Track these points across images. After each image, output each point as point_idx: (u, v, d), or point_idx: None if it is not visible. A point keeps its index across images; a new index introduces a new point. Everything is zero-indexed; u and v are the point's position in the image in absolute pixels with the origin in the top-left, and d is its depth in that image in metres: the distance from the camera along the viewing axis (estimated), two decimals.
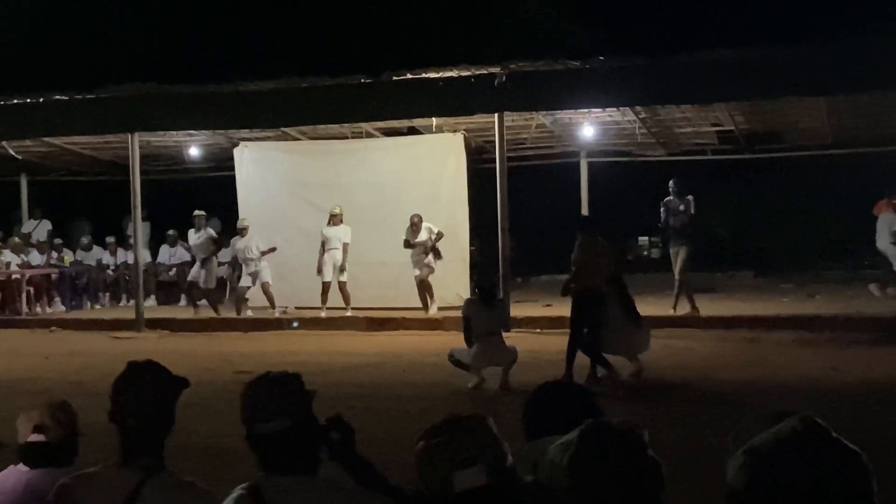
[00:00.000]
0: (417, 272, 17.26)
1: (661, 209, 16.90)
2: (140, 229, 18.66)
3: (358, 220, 18.03)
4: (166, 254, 21.92)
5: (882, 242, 18.59)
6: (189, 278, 19.16)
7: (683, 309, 16.30)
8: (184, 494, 3.13)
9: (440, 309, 17.02)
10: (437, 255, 17.33)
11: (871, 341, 13.64)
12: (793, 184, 24.93)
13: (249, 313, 18.16)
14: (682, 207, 16.72)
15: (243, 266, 18.22)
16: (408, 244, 17.26)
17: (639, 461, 1.96)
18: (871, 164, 21.34)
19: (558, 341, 11.83)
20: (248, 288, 18.30)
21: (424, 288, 17.28)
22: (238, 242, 18.24)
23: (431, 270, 17.31)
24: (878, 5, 14.94)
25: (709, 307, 17.25)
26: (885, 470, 6.20)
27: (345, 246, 17.57)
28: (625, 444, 1.97)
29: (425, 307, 17.29)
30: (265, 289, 18.06)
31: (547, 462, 1.99)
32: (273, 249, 18.07)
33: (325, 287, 17.63)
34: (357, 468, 2.87)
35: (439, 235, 17.27)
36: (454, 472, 2.46)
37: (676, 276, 16.66)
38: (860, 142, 20.55)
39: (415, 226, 17.21)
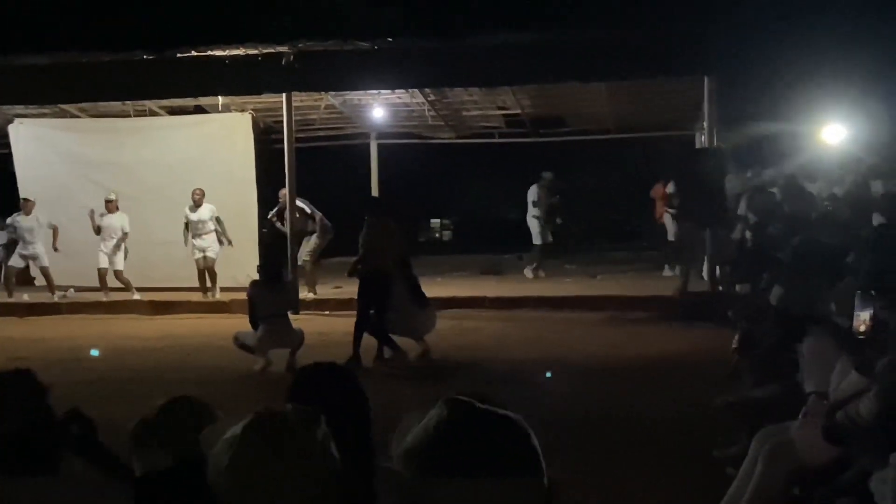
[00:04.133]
0: (212, 255, 16.87)
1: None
2: None
3: (145, 199, 17.62)
4: None
5: (529, 218, 19.50)
6: None
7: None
8: None
9: (223, 290, 16.70)
10: (223, 239, 17.03)
11: (647, 319, 14.22)
12: (577, 167, 25.70)
13: (25, 297, 17.39)
14: (308, 210, 17.26)
15: (19, 245, 17.38)
16: (186, 227, 16.89)
17: (306, 457, 1.83)
18: (648, 149, 22.23)
19: (347, 323, 11.82)
20: (20, 268, 17.52)
21: (211, 268, 16.94)
22: (22, 221, 17.33)
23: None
24: None
25: (495, 288, 17.61)
26: (646, 438, 6.44)
27: (123, 235, 17.03)
28: (291, 433, 1.87)
29: (205, 291, 16.97)
30: (45, 272, 17.35)
31: (211, 458, 1.86)
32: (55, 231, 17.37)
33: (101, 273, 17.06)
34: (101, 460, 2.76)
35: (219, 222, 16.94)
36: (153, 450, 2.41)
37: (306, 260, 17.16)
38: (638, 127, 21.37)
39: (196, 202, 16.84)
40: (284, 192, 16.98)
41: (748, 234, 14.34)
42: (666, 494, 6.37)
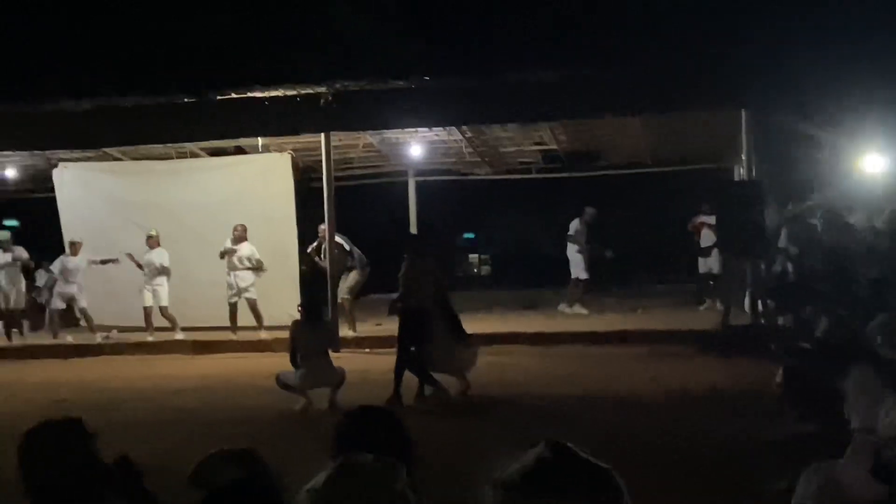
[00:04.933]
0: (251, 296, 16.98)
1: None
2: None
3: (185, 239, 17.78)
4: None
5: (569, 252, 19.38)
6: (2, 305, 18.34)
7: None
8: None
9: (268, 329, 16.73)
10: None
11: (689, 353, 14.08)
12: (614, 201, 25.65)
13: (69, 339, 17.58)
14: (347, 247, 17.39)
15: (57, 284, 17.60)
16: (223, 255, 16.97)
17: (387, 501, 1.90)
18: (686, 182, 22.14)
19: (387, 361, 11.81)
20: (60, 310, 17.75)
21: (254, 307, 17.03)
22: (69, 262, 17.58)
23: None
24: (686, 30, 15.56)
25: (535, 323, 17.57)
26: (691, 473, 6.35)
27: (163, 270, 17.25)
28: (373, 484, 1.89)
29: (235, 330, 17.06)
30: (84, 313, 17.56)
31: None
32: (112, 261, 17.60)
33: (147, 312, 17.26)
34: None
35: (259, 264, 17.04)
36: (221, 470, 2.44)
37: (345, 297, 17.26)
38: (675, 160, 21.31)
39: (238, 238, 16.98)
40: (323, 228, 17.08)
41: (789, 266, 14.26)
42: None
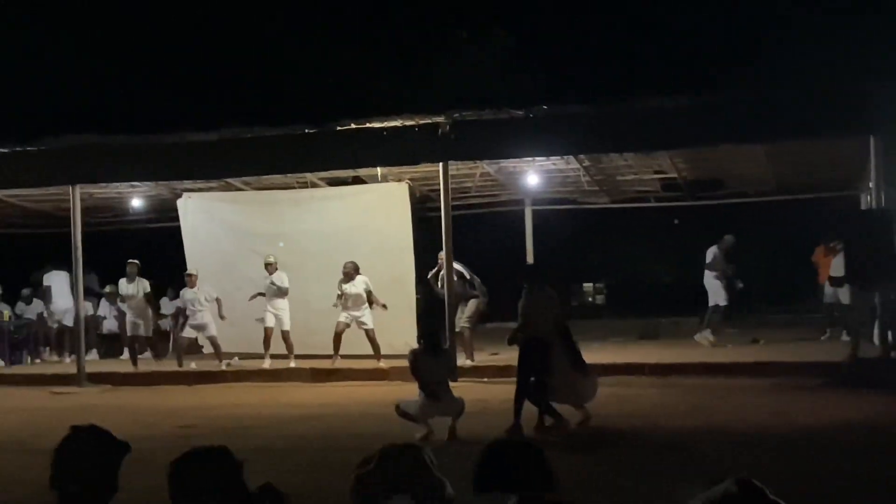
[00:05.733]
0: (369, 325, 17.06)
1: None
2: (81, 282, 18.35)
3: (304, 268, 18.03)
4: (106, 307, 21.62)
5: (707, 279, 18.91)
6: (129, 332, 18.83)
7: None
8: None
9: (386, 357, 16.79)
10: (378, 305, 17.20)
11: (814, 386, 13.71)
12: (736, 230, 25.23)
13: (193, 366, 17.96)
14: (467, 275, 17.32)
15: (189, 317, 18.02)
16: (339, 297, 17.09)
17: None
18: (810, 210, 21.65)
19: (506, 390, 11.76)
20: (191, 339, 18.20)
21: (372, 338, 17.10)
22: (187, 293, 18.04)
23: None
24: (810, 56, 15.25)
25: (654, 354, 17.32)
26: None
27: (284, 291, 17.54)
28: None
29: (335, 357, 17.15)
30: (213, 342, 17.93)
31: None
32: (218, 302, 17.99)
33: (267, 333, 17.56)
34: None
35: (370, 296, 17.11)
36: (384, 499, 2.43)
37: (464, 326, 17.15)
38: (799, 188, 20.83)
39: (347, 275, 17.08)
40: (444, 255, 17.13)
41: None
42: None
